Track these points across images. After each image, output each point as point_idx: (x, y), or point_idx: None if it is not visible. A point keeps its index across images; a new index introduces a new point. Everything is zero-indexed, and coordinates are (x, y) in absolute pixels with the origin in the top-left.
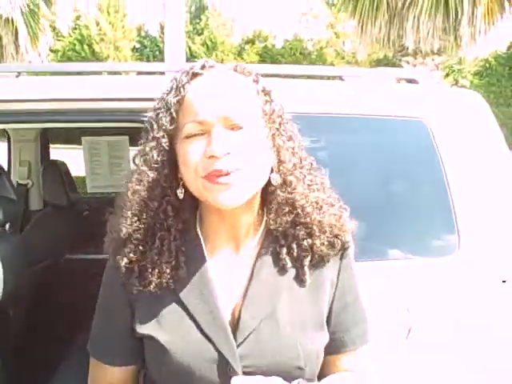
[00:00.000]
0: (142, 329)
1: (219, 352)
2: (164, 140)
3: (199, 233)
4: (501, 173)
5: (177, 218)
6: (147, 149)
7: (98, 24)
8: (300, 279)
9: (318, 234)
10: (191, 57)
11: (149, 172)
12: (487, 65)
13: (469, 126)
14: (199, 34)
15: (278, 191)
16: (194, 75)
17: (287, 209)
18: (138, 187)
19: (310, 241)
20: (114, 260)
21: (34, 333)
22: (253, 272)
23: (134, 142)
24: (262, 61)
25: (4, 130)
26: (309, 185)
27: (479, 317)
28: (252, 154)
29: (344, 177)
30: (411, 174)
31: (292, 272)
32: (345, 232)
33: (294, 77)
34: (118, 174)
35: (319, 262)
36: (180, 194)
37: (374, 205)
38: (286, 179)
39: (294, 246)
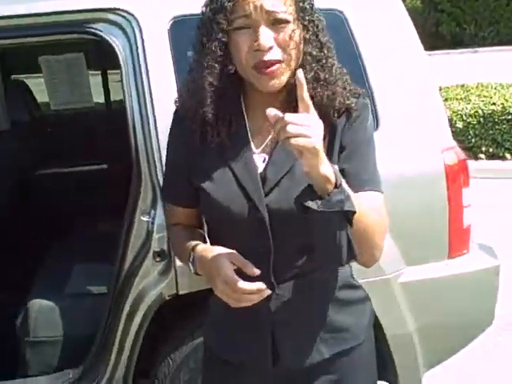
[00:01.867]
0: (195, 180)
1: (251, 199)
2: (223, 38)
3: (243, 104)
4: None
5: (228, 92)
6: (212, 47)
7: None
8: None
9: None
10: None
11: (212, 64)
12: None
13: (381, 16)
14: None
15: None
16: None
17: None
18: (197, 76)
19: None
20: (177, 122)
21: (12, 241)
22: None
23: (88, 60)
24: None
25: None
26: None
27: None
28: (291, 47)
29: None
30: None
31: None
32: (350, 101)
33: None
34: (77, 90)
35: (332, 126)
36: (231, 70)
37: None
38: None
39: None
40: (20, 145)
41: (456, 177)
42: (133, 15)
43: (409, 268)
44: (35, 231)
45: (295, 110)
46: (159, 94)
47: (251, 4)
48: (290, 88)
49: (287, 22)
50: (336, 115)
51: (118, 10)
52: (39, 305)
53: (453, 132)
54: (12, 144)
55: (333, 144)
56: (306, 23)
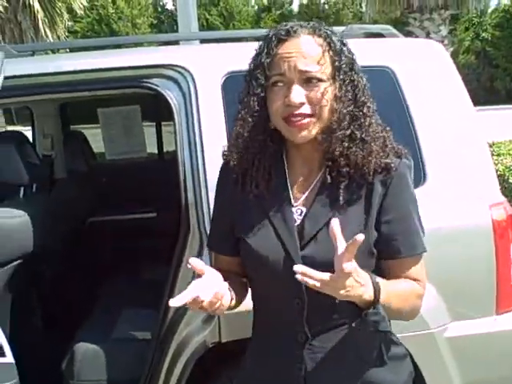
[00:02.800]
0: (236, 230)
1: (287, 252)
2: (261, 93)
3: (284, 159)
4: (460, 116)
5: (269, 146)
6: (250, 102)
7: (114, 3)
8: (352, 197)
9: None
10: (208, 28)
11: (250, 118)
12: (508, 16)
13: (429, 71)
14: (215, 5)
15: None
16: (280, 40)
17: (344, 143)
18: (240, 130)
19: (362, 168)
20: (223, 175)
21: (62, 285)
22: (316, 194)
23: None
24: None
25: (27, 107)
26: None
27: None
28: (321, 104)
29: None
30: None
31: (345, 195)
32: (389, 160)
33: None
34: (132, 141)
35: (370, 184)
36: (271, 125)
37: None
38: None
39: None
40: (75, 193)
41: (504, 232)
42: (188, 71)
43: (455, 323)
44: (84, 276)
45: (332, 161)
46: (210, 146)
47: (286, 63)
48: (324, 142)
49: (320, 80)
50: (371, 174)
51: (175, 66)
52: (85, 348)
53: (505, 188)
54: (68, 192)
55: (370, 203)
56: (341, 82)
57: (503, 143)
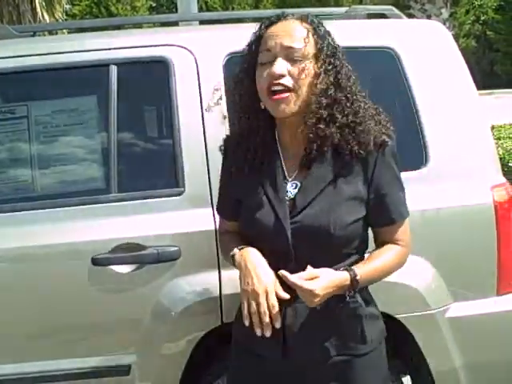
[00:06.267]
0: (236, 194)
1: (278, 219)
2: (252, 73)
3: (276, 136)
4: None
5: (261, 123)
6: (244, 81)
7: None
8: (342, 172)
9: (357, 135)
10: (207, 10)
11: (243, 97)
12: None
13: (432, 52)
14: None
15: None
16: (271, 23)
17: (332, 119)
18: (236, 109)
19: (351, 142)
20: (225, 151)
21: None
22: (309, 168)
23: None
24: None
25: None
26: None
27: None
28: (301, 78)
29: None
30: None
31: (336, 166)
32: (381, 136)
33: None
34: None
35: (358, 157)
36: (262, 104)
37: None
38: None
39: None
40: None
41: (505, 213)
42: (190, 51)
43: (456, 304)
44: None
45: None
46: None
47: (273, 40)
48: (306, 117)
49: (303, 58)
50: (359, 151)
51: (176, 46)
52: None
53: (505, 171)
54: None
55: (361, 177)
56: (322, 63)
57: (503, 127)
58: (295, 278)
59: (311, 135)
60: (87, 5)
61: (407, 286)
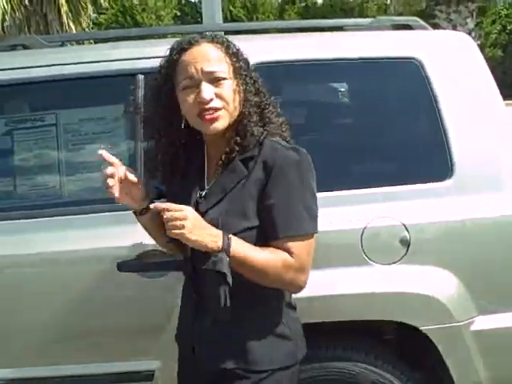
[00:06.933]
0: (167, 194)
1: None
2: (170, 100)
3: (205, 151)
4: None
5: (190, 139)
6: (163, 108)
7: None
8: (244, 181)
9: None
10: (232, 20)
11: (163, 122)
12: None
13: (458, 63)
14: None
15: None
16: (183, 49)
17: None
18: (157, 135)
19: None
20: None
21: None
22: (217, 178)
23: None
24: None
25: None
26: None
27: None
28: (228, 98)
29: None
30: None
31: (242, 174)
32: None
33: (302, 30)
34: None
35: (255, 173)
36: (183, 124)
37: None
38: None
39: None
40: None
41: None
42: None
43: (482, 317)
44: None
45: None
46: None
47: (192, 67)
48: (231, 130)
49: (224, 78)
50: (259, 162)
51: None
52: None
53: None
54: None
55: (254, 189)
56: (243, 78)
57: None
58: (164, 204)
59: (247, 135)
60: (113, 13)
61: (432, 298)
